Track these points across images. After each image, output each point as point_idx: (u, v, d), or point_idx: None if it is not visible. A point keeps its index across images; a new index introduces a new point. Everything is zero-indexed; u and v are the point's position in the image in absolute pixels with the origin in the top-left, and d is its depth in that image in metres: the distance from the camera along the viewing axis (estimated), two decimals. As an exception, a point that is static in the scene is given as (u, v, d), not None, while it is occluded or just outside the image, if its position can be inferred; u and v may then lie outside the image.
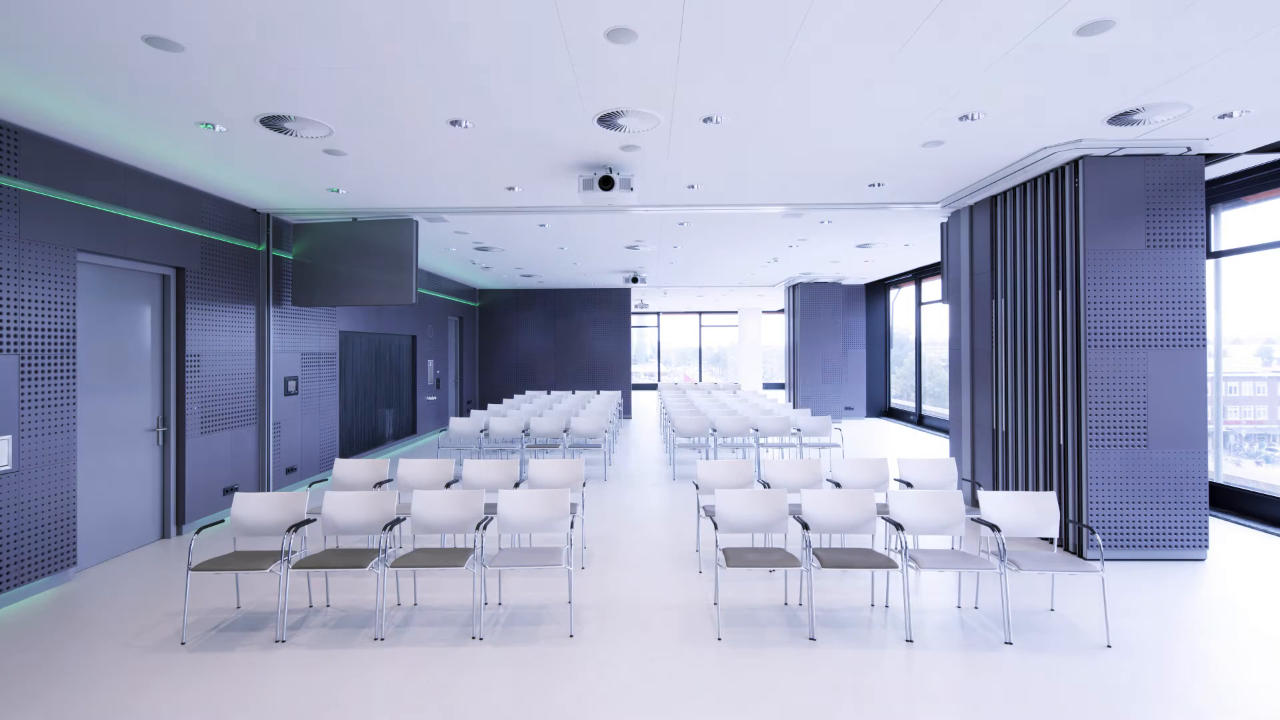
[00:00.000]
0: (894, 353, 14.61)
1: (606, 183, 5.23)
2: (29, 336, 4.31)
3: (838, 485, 4.91)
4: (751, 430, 7.97)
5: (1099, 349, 4.91)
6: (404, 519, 4.11)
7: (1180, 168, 4.86)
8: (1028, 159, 5.10)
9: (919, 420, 12.96)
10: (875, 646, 3.53)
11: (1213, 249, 6.30)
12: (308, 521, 3.98)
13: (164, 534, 5.66)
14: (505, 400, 10.88)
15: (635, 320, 20.44)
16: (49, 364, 4.44)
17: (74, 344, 4.63)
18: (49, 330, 4.45)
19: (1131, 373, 4.89)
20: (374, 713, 2.93)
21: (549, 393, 13.29)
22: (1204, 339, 4.87)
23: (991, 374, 6.19)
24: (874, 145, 4.83)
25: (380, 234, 6.99)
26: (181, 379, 5.72)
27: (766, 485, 4.84)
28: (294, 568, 3.74)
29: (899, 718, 2.88)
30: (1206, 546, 4.86)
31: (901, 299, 14.16)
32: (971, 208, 6.54)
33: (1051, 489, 5.31)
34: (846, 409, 14.44)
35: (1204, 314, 4.87)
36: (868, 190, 6.15)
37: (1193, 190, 4.86)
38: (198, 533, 4.28)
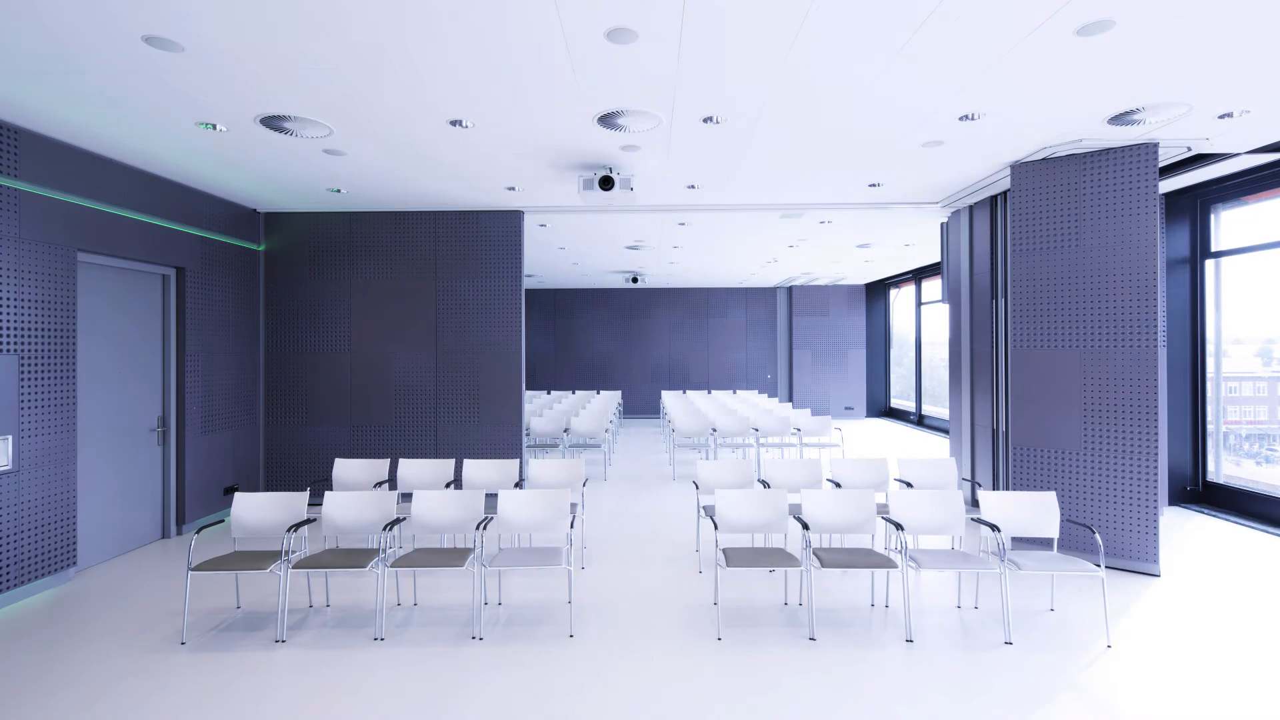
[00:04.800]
0: (894, 353, 14.61)
1: (606, 183, 5.23)
2: (29, 336, 4.31)
3: (838, 485, 4.91)
4: (751, 430, 7.98)
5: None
6: (404, 519, 4.12)
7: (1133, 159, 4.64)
8: (1028, 159, 5.10)
9: (919, 420, 12.96)
10: (875, 646, 3.53)
11: (1212, 249, 6.30)
12: (308, 521, 3.98)
13: (164, 534, 5.66)
14: (505, 400, 10.85)
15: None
16: (49, 364, 4.44)
17: (74, 344, 4.63)
18: (49, 330, 4.45)
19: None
20: (374, 713, 2.93)
21: (549, 392, 13.29)
22: (1154, 339, 4.80)
23: (991, 374, 6.19)
24: (874, 145, 4.83)
25: (380, 234, 6.99)
26: (181, 379, 5.72)
27: (766, 485, 4.84)
28: (294, 568, 3.75)
29: (899, 718, 2.88)
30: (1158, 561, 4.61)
31: (901, 299, 14.16)
32: (971, 208, 6.54)
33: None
34: (846, 409, 14.44)
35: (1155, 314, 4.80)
36: (868, 190, 6.15)
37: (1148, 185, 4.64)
38: (198, 533, 4.28)
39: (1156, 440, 4.62)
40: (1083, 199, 4.86)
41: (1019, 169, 5.05)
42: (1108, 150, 4.76)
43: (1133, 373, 4.71)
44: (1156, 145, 4.64)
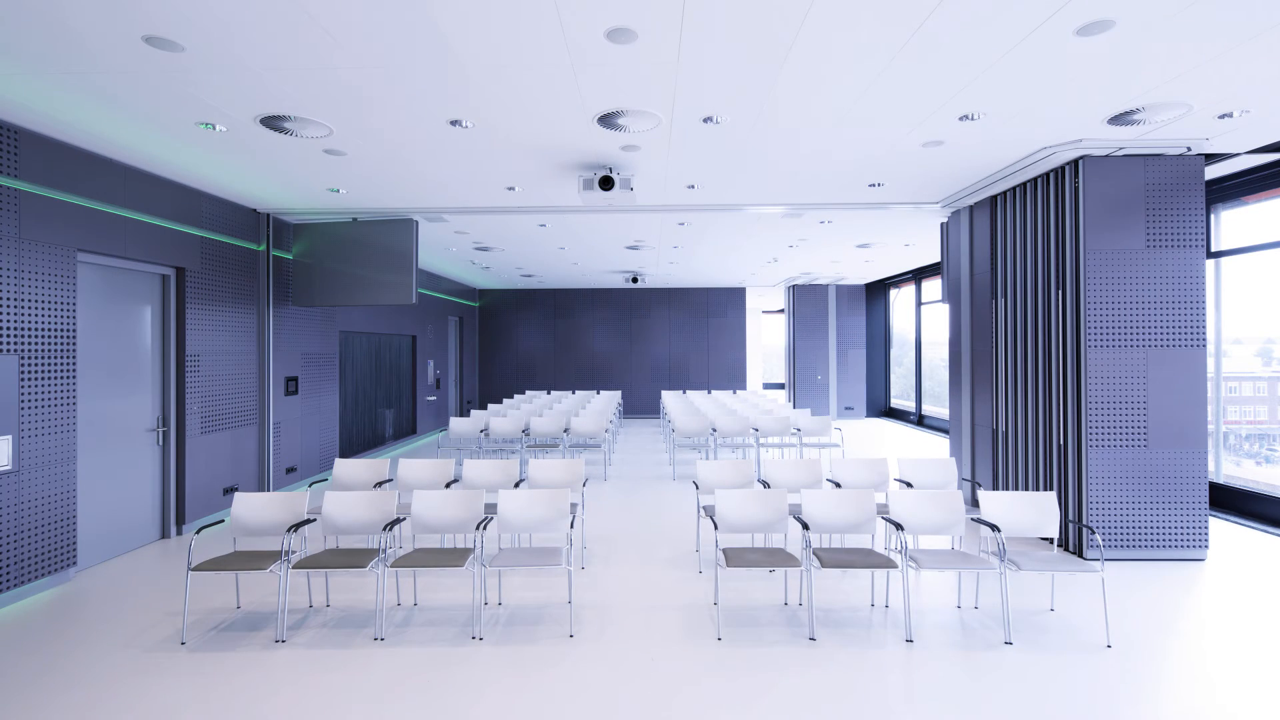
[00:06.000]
0: (894, 353, 14.61)
1: (606, 183, 5.23)
2: (29, 336, 4.31)
3: (838, 485, 4.91)
4: (751, 430, 7.97)
5: (1099, 349, 4.92)
6: (404, 519, 4.11)
7: (1180, 167, 4.86)
8: (1028, 159, 5.10)
9: (919, 420, 12.96)
10: (875, 646, 3.53)
11: (1213, 249, 6.29)
12: (308, 521, 3.98)
13: (164, 534, 5.66)
14: (505, 400, 10.88)
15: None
16: (49, 364, 4.44)
17: (74, 344, 4.63)
18: (49, 330, 4.45)
19: (1131, 373, 4.90)
20: (374, 713, 2.93)
21: (549, 393, 13.30)
22: (1204, 339, 4.88)
23: (991, 374, 6.19)
24: (874, 145, 4.83)
25: (380, 234, 7.00)
26: (181, 379, 5.72)
27: (766, 485, 4.84)
28: (294, 568, 3.74)
29: (899, 718, 2.88)
30: (1207, 546, 4.86)
31: (901, 299, 14.16)
32: (971, 208, 6.54)
33: (1051, 489, 5.31)
34: (846, 409, 14.44)
35: (1204, 314, 4.87)
36: (868, 190, 6.15)
37: (1193, 190, 4.86)
38: (198, 533, 4.28)
39: (1205, 436, 4.85)
40: (1139, 199, 4.92)
41: (1090, 163, 4.97)
42: (1160, 155, 4.87)
43: (1183, 371, 4.87)
44: (1201, 156, 4.83)
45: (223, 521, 6.06)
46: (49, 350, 4.45)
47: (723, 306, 14.98)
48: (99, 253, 4.92)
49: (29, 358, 4.31)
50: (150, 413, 5.54)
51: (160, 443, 5.64)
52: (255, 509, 4.01)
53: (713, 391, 14.03)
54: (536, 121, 4.33)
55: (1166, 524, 4.86)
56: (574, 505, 4.71)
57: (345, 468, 5.07)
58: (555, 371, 15.07)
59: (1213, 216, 6.27)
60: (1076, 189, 5.02)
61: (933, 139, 4.68)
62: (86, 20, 2.96)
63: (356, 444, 9.41)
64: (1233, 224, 6.18)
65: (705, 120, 4.31)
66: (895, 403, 14.47)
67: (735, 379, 15.01)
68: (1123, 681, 3.17)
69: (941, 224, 7.14)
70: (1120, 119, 4.25)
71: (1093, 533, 4.36)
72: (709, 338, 15.00)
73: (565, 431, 7.96)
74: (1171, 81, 3.68)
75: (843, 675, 3.23)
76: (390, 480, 5.08)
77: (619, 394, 12.52)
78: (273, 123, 4.27)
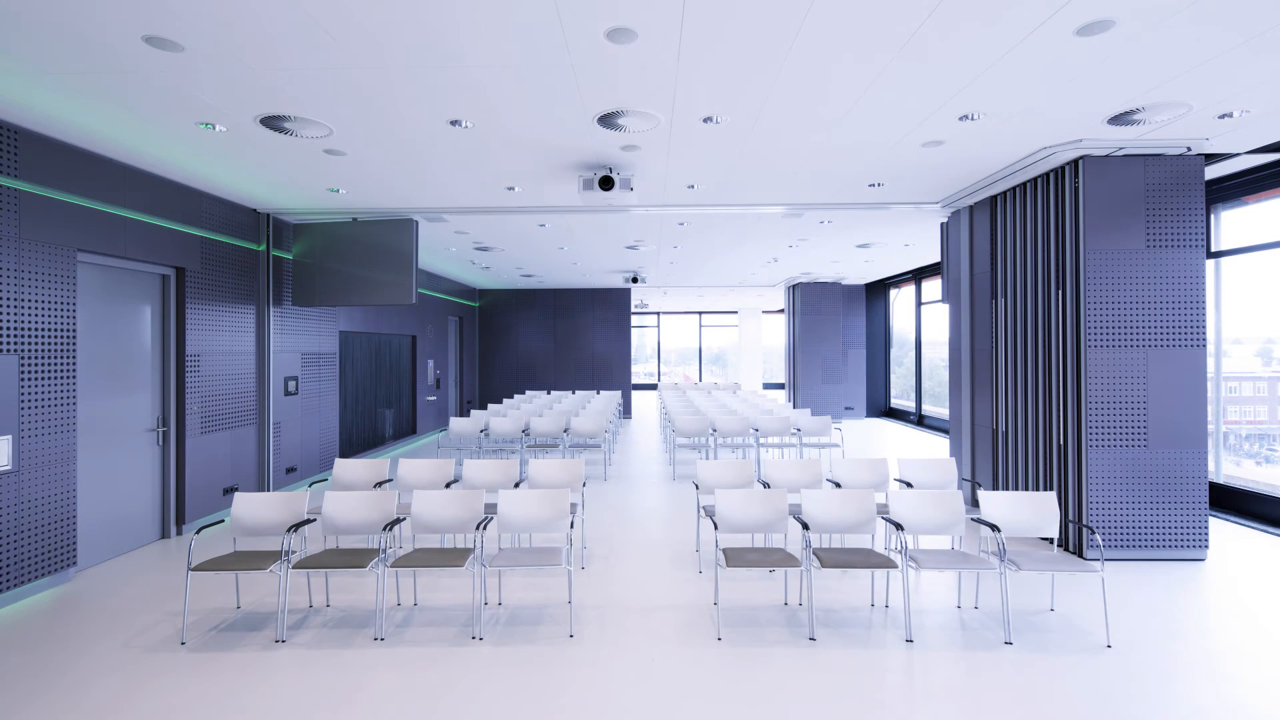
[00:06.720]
0: (894, 353, 14.61)
1: (606, 183, 5.23)
2: (29, 336, 4.31)
3: (838, 485, 4.91)
4: (751, 430, 7.97)
5: (1099, 349, 4.92)
6: (404, 519, 4.11)
7: (1180, 167, 4.86)
8: (1028, 159, 5.10)
9: (919, 420, 12.96)
10: (875, 646, 3.53)
11: (1213, 249, 6.29)
12: (308, 521, 3.98)
13: (164, 534, 5.66)
14: (505, 400, 10.88)
15: (635, 320, 20.46)
16: (49, 364, 4.44)
17: (74, 344, 4.63)
18: (49, 330, 4.45)
19: (1131, 373, 4.90)
20: (374, 713, 2.93)
21: (549, 393, 13.29)
22: (1204, 339, 4.87)
23: (991, 374, 6.19)
24: (874, 145, 4.83)
25: (380, 234, 7.00)
26: (181, 379, 5.72)
27: (766, 485, 4.84)
28: (294, 568, 3.74)
29: (899, 718, 2.88)
30: (1207, 546, 4.86)
31: (901, 299, 14.16)
32: (971, 208, 6.54)
33: (1051, 489, 5.31)
34: (846, 409, 14.44)
35: (1204, 314, 4.87)
36: (868, 190, 6.15)
37: (1193, 190, 4.86)
38: (198, 533, 4.28)
39: (1205, 436, 4.85)
40: (1139, 199, 4.91)
41: (1090, 163, 4.96)
42: (1160, 155, 4.87)
43: (1183, 371, 4.87)
44: (1201, 156, 4.83)
45: (223, 521, 6.06)
46: (49, 350, 4.45)
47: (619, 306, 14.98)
48: (99, 253, 4.92)
49: (29, 358, 4.31)
50: (150, 413, 5.54)
51: (160, 443, 5.64)
52: (255, 509, 4.01)
53: (713, 391, 14.02)
54: (536, 121, 4.33)
55: (1166, 524, 4.87)
56: (574, 505, 4.71)
57: (345, 468, 5.07)
58: (555, 371, 15.07)
59: (1213, 216, 6.27)
60: (1076, 189, 5.02)
61: (933, 139, 4.68)
62: (87, 20, 2.96)
63: (356, 444, 9.40)
64: (1233, 224, 6.18)
65: (705, 120, 4.31)
66: (895, 403, 14.47)
67: (617, 378, 15.02)
68: (1123, 682, 3.17)
69: (941, 224, 7.14)
70: (1120, 119, 4.25)
71: (1093, 533, 4.36)
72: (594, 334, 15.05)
73: (565, 431, 7.96)
74: (1171, 81, 3.68)
75: (843, 675, 3.23)
76: (390, 480, 5.08)
77: (619, 394, 12.52)
78: (273, 123, 4.27)
